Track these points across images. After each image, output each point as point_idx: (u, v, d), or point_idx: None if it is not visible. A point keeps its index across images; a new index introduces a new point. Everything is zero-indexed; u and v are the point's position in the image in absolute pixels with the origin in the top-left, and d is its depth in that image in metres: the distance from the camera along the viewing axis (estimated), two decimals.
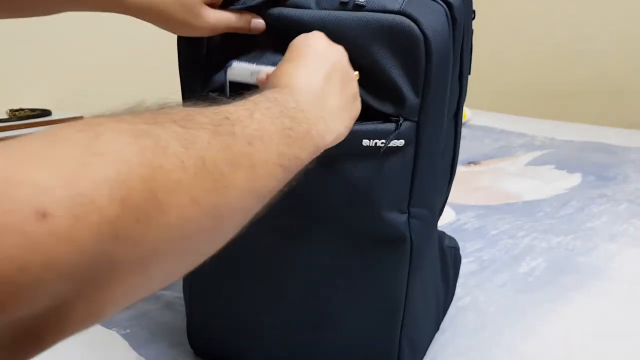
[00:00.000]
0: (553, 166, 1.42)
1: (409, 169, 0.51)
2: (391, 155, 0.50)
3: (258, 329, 0.59)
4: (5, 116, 1.57)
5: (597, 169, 1.38)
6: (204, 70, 0.56)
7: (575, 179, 1.31)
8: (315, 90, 0.45)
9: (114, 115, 0.28)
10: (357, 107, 0.48)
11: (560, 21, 2.27)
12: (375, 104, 0.50)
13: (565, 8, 2.25)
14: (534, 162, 1.46)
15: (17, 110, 1.61)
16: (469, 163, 1.46)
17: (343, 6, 0.50)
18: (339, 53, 0.47)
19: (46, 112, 1.64)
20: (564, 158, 1.49)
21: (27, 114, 1.60)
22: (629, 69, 2.13)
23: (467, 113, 1.97)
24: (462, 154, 1.52)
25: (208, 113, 0.33)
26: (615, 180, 1.29)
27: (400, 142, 0.50)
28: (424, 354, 0.63)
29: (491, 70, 2.44)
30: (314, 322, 0.56)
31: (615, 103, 2.16)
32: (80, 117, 1.66)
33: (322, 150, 0.43)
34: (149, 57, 1.83)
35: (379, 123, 0.50)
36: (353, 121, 0.47)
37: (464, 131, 1.93)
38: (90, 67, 1.76)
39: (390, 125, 0.50)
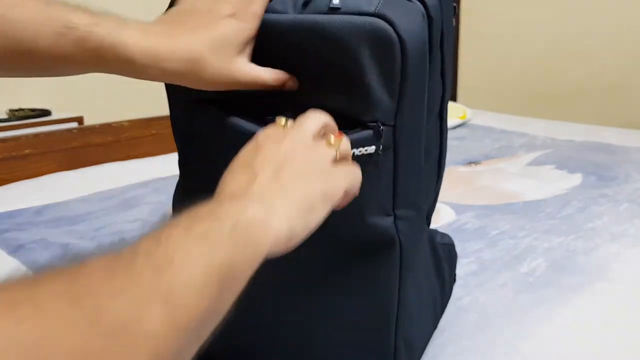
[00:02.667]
0: (554, 166, 1.42)
1: (390, 172, 0.51)
2: (371, 160, 0.50)
3: (252, 333, 0.58)
4: (5, 116, 1.57)
5: (598, 169, 1.38)
6: None
7: (576, 179, 1.31)
8: (244, 184, 0.38)
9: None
10: (319, 212, 0.40)
11: (560, 21, 2.27)
12: (350, 109, 0.50)
13: (566, 8, 2.25)
14: (534, 162, 1.46)
15: (17, 110, 1.61)
16: (470, 163, 1.46)
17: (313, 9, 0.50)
18: (289, 146, 0.42)
19: (46, 112, 1.64)
20: (564, 158, 1.49)
21: (27, 114, 1.60)
22: (629, 69, 2.13)
23: (468, 113, 1.96)
24: (463, 154, 1.53)
25: (106, 257, 0.28)
26: (616, 181, 1.29)
27: (372, 148, 0.49)
28: (422, 353, 0.63)
29: (491, 70, 2.44)
30: (307, 325, 0.56)
31: (616, 103, 2.16)
32: (80, 118, 1.66)
33: (269, 247, 0.35)
34: None
35: (357, 132, 0.49)
36: (315, 220, 0.39)
37: (465, 131, 1.95)
38: None
39: (368, 133, 0.49)
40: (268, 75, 0.50)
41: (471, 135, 1.79)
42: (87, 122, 1.66)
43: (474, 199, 1.17)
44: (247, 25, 0.49)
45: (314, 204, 0.39)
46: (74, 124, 1.61)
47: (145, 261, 0.28)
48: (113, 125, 1.49)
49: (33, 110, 1.63)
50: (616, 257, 0.88)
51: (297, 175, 0.40)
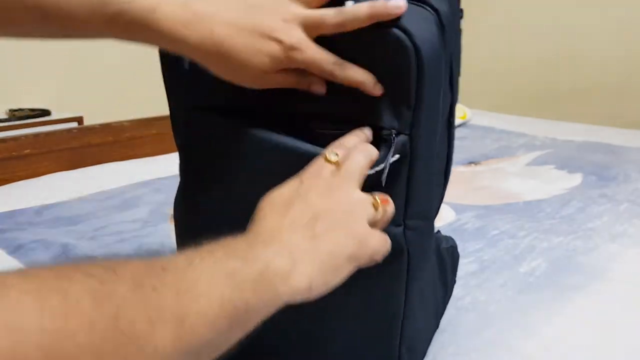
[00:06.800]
0: (553, 166, 1.42)
1: (404, 182, 0.50)
2: (385, 170, 0.49)
3: (257, 339, 0.58)
4: (5, 116, 1.57)
5: (598, 169, 1.38)
6: (188, 82, 0.54)
7: (576, 179, 1.31)
8: (277, 229, 0.38)
9: (26, 271, 0.26)
10: (342, 272, 0.40)
11: (560, 21, 2.27)
12: (365, 117, 0.49)
13: (566, 8, 2.25)
14: (534, 162, 1.46)
15: (16, 110, 1.61)
16: (470, 163, 1.46)
17: None
18: (334, 204, 0.41)
19: (46, 112, 1.65)
20: (564, 158, 1.49)
21: (26, 114, 1.60)
22: (629, 69, 2.13)
23: (468, 113, 1.96)
24: (463, 154, 1.53)
25: (138, 264, 0.30)
26: (616, 181, 1.29)
27: (395, 157, 0.48)
28: (424, 355, 0.63)
29: (492, 71, 2.43)
30: (311, 334, 0.56)
31: (616, 103, 2.16)
32: (80, 117, 1.66)
33: (286, 299, 0.36)
34: (149, 57, 1.82)
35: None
36: (335, 280, 0.40)
37: (465, 131, 1.95)
38: (90, 67, 1.76)
39: (383, 149, 0.48)
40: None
41: (471, 135, 1.79)
42: (87, 122, 1.67)
43: (474, 199, 1.17)
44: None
45: (339, 264, 0.40)
46: (74, 124, 1.61)
47: (172, 279, 0.30)
48: (113, 125, 1.49)
49: (33, 110, 1.63)
50: (616, 257, 0.88)
51: (331, 231, 0.40)
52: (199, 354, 0.30)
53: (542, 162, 1.46)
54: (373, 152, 0.46)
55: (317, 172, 0.44)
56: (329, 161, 0.44)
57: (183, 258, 0.32)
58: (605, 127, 1.90)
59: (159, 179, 1.28)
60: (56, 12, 0.43)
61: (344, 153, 0.45)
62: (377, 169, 0.47)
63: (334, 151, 0.45)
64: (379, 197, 0.45)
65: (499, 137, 1.76)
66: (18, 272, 0.25)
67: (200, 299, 0.30)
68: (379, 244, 0.43)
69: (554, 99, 2.31)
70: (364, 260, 0.42)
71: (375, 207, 0.44)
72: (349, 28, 0.46)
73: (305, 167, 0.45)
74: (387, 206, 0.45)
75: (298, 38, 0.45)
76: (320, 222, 0.40)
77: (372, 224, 0.44)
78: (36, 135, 1.37)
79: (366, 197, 0.44)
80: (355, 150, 0.45)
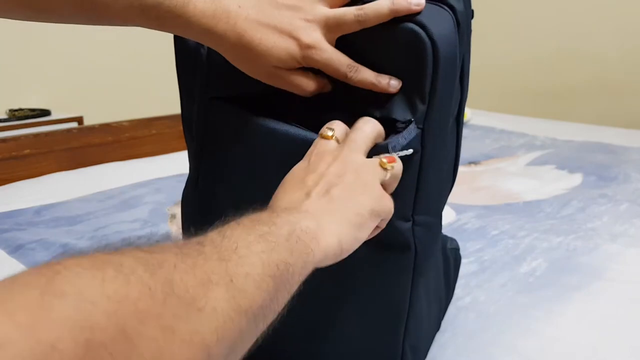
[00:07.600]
0: (554, 166, 1.42)
1: (414, 177, 0.50)
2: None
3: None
4: (5, 116, 1.57)
5: (598, 169, 1.38)
6: (205, 74, 0.55)
7: (576, 179, 1.31)
8: (295, 201, 0.41)
9: (74, 255, 0.26)
10: (367, 227, 0.43)
11: (560, 21, 2.27)
12: (381, 110, 0.49)
13: (566, 8, 2.25)
14: (534, 162, 1.46)
15: (16, 110, 1.61)
16: (470, 163, 1.46)
17: None
18: (335, 168, 0.44)
19: (46, 112, 1.64)
20: (564, 158, 1.49)
21: (26, 114, 1.60)
22: (629, 69, 2.13)
23: (468, 113, 1.97)
24: (463, 154, 1.52)
25: (177, 241, 0.32)
26: (616, 181, 1.29)
27: (409, 151, 0.48)
28: (426, 354, 0.63)
29: (492, 71, 2.43)
30: (316, 328, 0.56)
31: (616, 103, 2.16)
32: (80, 118, 1.66)
33: (320, 257, 0.38)
34: (149, 57, 1.82)
35: (392, 135, 0.49)
36: (363, 234, 0.42)
37: (465, 131, 1.94)
38: (90, 67, 1.76)
39: (396, 138, 0.48)
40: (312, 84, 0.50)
41: (471, 135, 1.80)
42: (87, 122, 1.66)
43: (474, 199, 1.17)
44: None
45: (364, 220, 0.42)
46: (74, 124, 1.61)
47: (211, 250, 0.31)
48: (113, 125, 1.49)
49: (33, 110, 1.63)
50: (616, 257, 0.88)
51: (347, 195, 0.42)
52: (256, 319, 0.31)
53: (542, 162, 1.46)
54: (378, 125, 0.48)
55: (321, 148, 0.46)
56: (326, 137, 0.47)
57: (214, 232, 0.34)
58: (605, 127, 1.90)
59: (159, 179, 1.28)
60: (95, 1, 0.46)
61: (339, 128, 0.47)
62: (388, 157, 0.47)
63: (328, 127, 0.48)
64: (385, 157, 0.46)
65: (499, 137, 1.76)
66: (67, 256, 0.26)
67: (242, 263, 0.32)
68: (391, 203, 0.45)
69: (554, 99, 2.31)
70: (384, 215, 0.44)
71: (383, 167, 0.45)
72: (371, 24, 0.48)
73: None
74: (394, 164, 0.46)
75: (316, 38, 0.48)
76: (335, 187, 0.42)
77: (383, 186, 0.45)
78: (36, 135, 1.37)
79: (373, 160, 0.46)
80: (362, 121, 0.48)
